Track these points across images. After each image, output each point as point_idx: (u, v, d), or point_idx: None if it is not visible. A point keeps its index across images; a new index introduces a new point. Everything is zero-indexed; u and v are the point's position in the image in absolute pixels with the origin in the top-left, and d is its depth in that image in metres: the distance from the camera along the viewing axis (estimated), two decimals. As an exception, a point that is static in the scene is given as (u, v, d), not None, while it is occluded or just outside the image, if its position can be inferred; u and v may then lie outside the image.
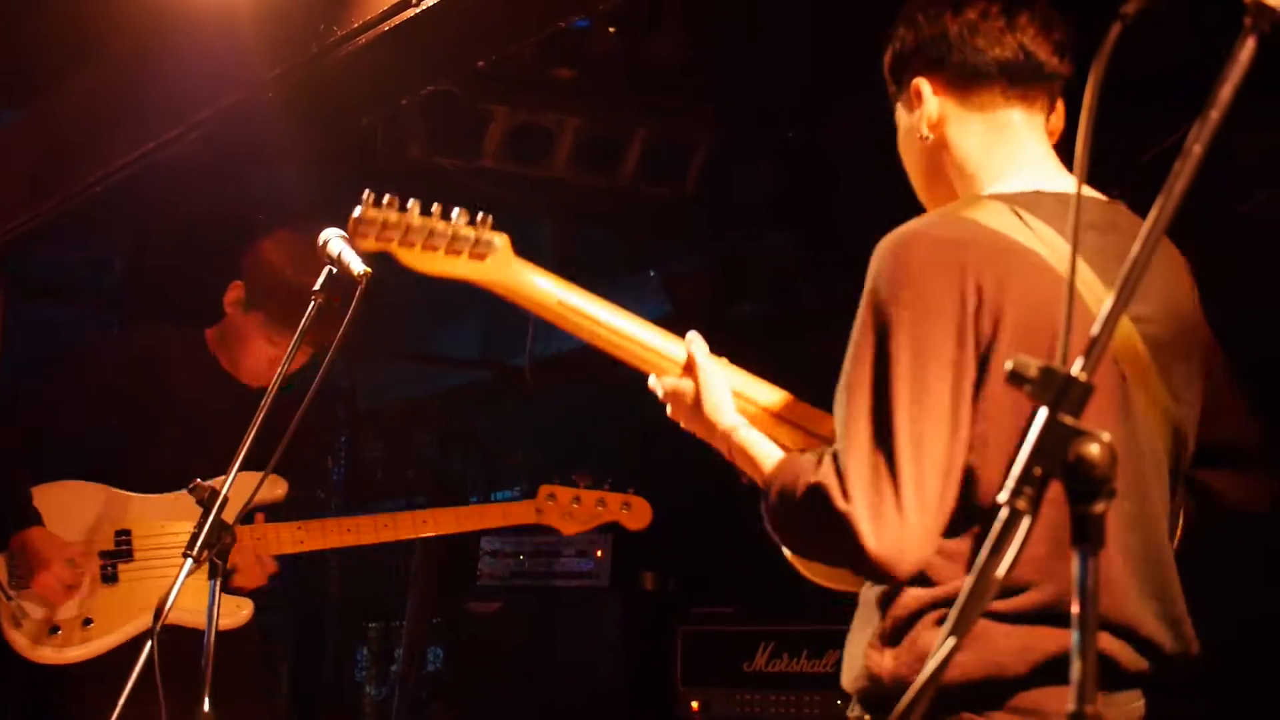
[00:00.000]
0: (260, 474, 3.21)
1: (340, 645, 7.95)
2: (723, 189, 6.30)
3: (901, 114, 2.70)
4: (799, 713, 5.65)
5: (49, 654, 3.83)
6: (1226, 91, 1.57)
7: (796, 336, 6.44)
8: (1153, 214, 1.56)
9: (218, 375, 4.10)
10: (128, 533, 3.92)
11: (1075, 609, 1.47)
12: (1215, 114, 1.56)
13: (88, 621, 3.83)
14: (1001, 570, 1.45)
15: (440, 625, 7.22)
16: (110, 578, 3.89)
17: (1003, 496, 1.47)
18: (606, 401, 6.64)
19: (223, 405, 4.01)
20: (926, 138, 2.59)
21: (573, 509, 4.06)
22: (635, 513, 4.03)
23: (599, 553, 6.38)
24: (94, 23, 5.20)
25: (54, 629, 3.84)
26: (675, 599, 6.32)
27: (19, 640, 3.84)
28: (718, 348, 2.75)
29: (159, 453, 3.93)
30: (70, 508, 3.93)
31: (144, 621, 3.21)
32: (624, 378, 4.37)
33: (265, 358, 4.10)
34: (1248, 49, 1.57)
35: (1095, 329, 1.53)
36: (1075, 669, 1.47)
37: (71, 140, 5.77)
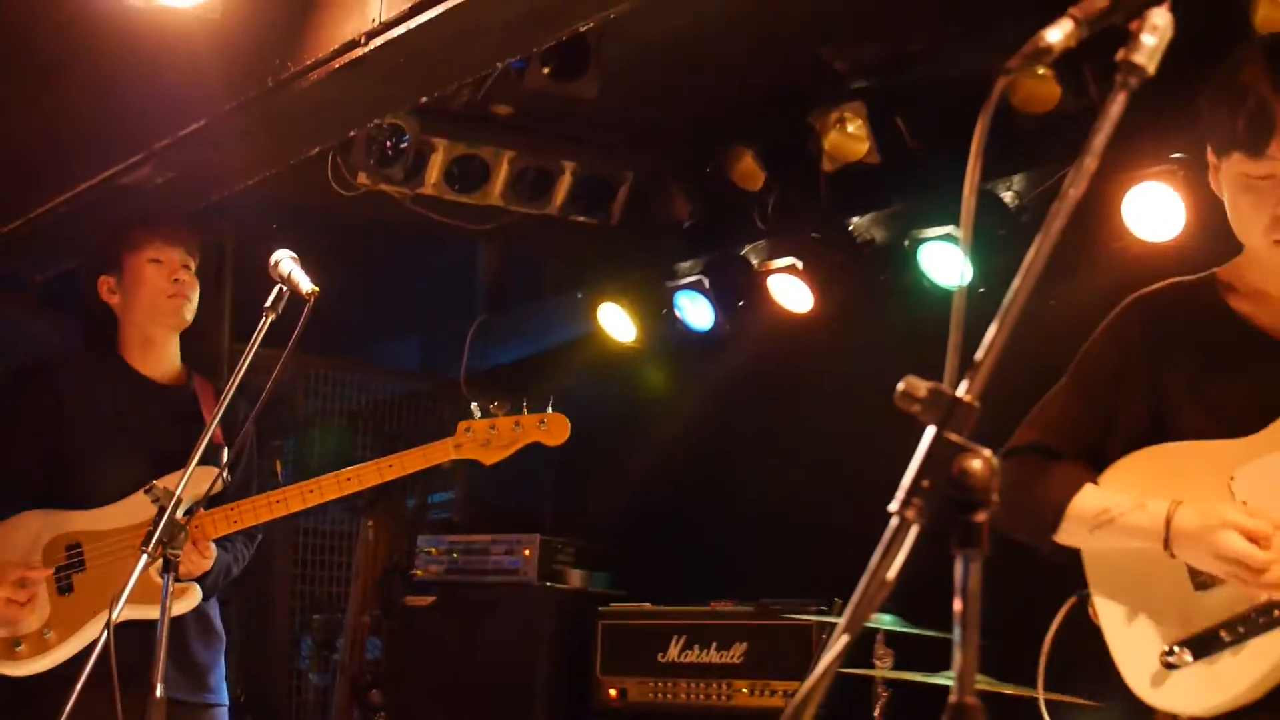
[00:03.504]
0: (203, 470, 3.22)
1: (287, 636, 7.91)
2: (645, 218, 6.33)
3: None
4: (706, 700, 5.68)
5: (14, 668, 3.78)
6: (1099, 141, 1.59)
7: (708, 359, 6.49)
8: (1033, 250, 1.56)
9: (128, 383, 4.01)
10: (78, 545, 3.86)
11: (958, 607, 1.47)
12: (1090, 161, 1.58)
13: (47, 632, 3.78)
14: (891, 574, 1.44)
15: (379, 618, 7.19)
16: (66, 589, 3.83)
17: (893, 506, 1.47)
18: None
19: (137, 411, 3.96)
20: None
21: (490, 437, 3.85)
22: (552, 429, 3.87)
23: (527, 551, 6.39)
24: (56, 50, 5.15)
25: (17, 644, 3.78)
26: (596, 595, 6.33)
27: None
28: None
29: (95, 470, 3.87)
30: (19, 536, 3.86)
31: (101, 623, 3.16)
32: (554, 389, 4.41)
33: (162, 288, 3.97)
34: (1119, 103, 1.59)
35: (979, 355, 1.52)
36: (956, 661, 1.47)
37: (35, 162, 5.70)
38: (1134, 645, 2.48)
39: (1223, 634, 2.36)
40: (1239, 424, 2.47)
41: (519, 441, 3.87)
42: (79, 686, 2.86)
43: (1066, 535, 2.54)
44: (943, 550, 1.50)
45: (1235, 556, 2.31)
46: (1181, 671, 2.39)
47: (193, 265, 4.06)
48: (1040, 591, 4.78)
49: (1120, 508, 2.44)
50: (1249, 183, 2.42)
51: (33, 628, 3.79)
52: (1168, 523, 2.39)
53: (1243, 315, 2.57)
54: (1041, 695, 3.95)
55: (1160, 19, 1.62)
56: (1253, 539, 2.32)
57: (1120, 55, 1.61)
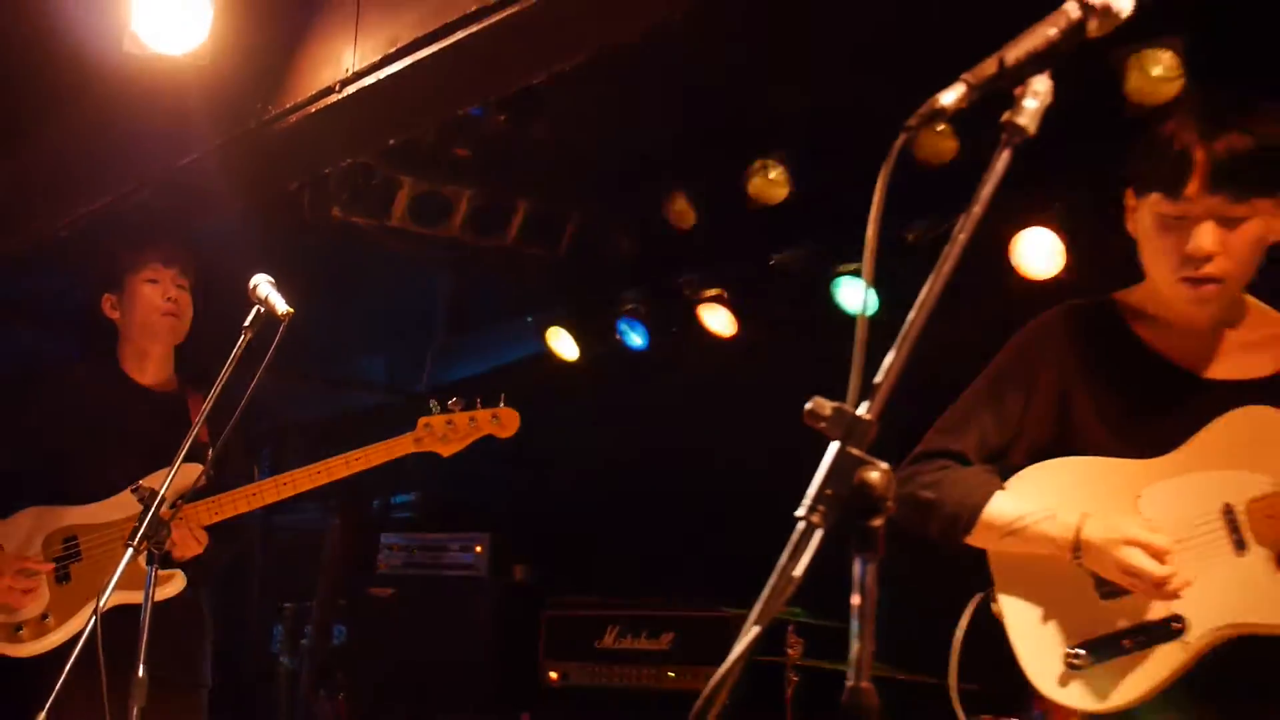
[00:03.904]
0: (187, 466, 3.21)
1: (260, 622, 7.86)
2: (590, 251, 6.34)
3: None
4: (638, 682, 5.70)
5: (16, 650, 3.75)
6: (986, 191, 1.61)
7: (645, 378, 6.50)
8: (926, 287, 1.58)
9: (124, 390, 3.98)
10: (74, 538, 3.83)
11: (855, 601, 1.48)
12: (977, 209, 1.60)
13: (45, 617, 3.75)
14: (797, 572, 1.45)
15: (344, 607, 7.15)
16: (64, 578, 3.80)
17: (800, 512, 1.47)
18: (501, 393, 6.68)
19: (131, 415, 3.93)
20: None
21: (447, 431, 3.82)
22: (504, 422, 3.84)
23: (479, 549, 6.41)
24: (63, 88, 5.12)
25: (18, 628, 3.75)
26: (541, 588, 6.33)
27: None
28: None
29: (92, 468, 3.83)
30: (22, 529, 3.84)
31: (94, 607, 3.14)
32: (513, 399, 4.39)
33: (157, 305, 3.97)
34: (1003, 159, 1.62)
35: (878, 378, 1.54)
36: (854, 650, 1.49)
37: (39, 188, 5.64)
38: (1038, 644, 2.43)
39: (1125, 641, 2.34)
40: (1143, 444, 2.43)
41: (474, 434, 3.85)
42: (68, 666, 2.83)
43: (978, 539, 2.47)
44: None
45: (1138, 569, 2.29)
46: (1083, 672, 2.35)
47: (187, 284, 4.05)
48: (946, 588, 4.84)
49: (1033, 517, 2.40)
50: (1166, 222, 2.39)
51: (33, 614, 3.76)
52: (1077, 534, 2.36)
53: (1146, 341, 2.52)
54: (953, 683, 3.96)
55: (1041, 85, 1.65)
56: (1154, 554, 2.30)
57: (1005, 117, 1.63)
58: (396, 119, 4.65)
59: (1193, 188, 2.33)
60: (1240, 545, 2.32)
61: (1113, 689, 2.31)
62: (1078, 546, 2.35)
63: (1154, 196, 2.40)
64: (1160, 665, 2.30)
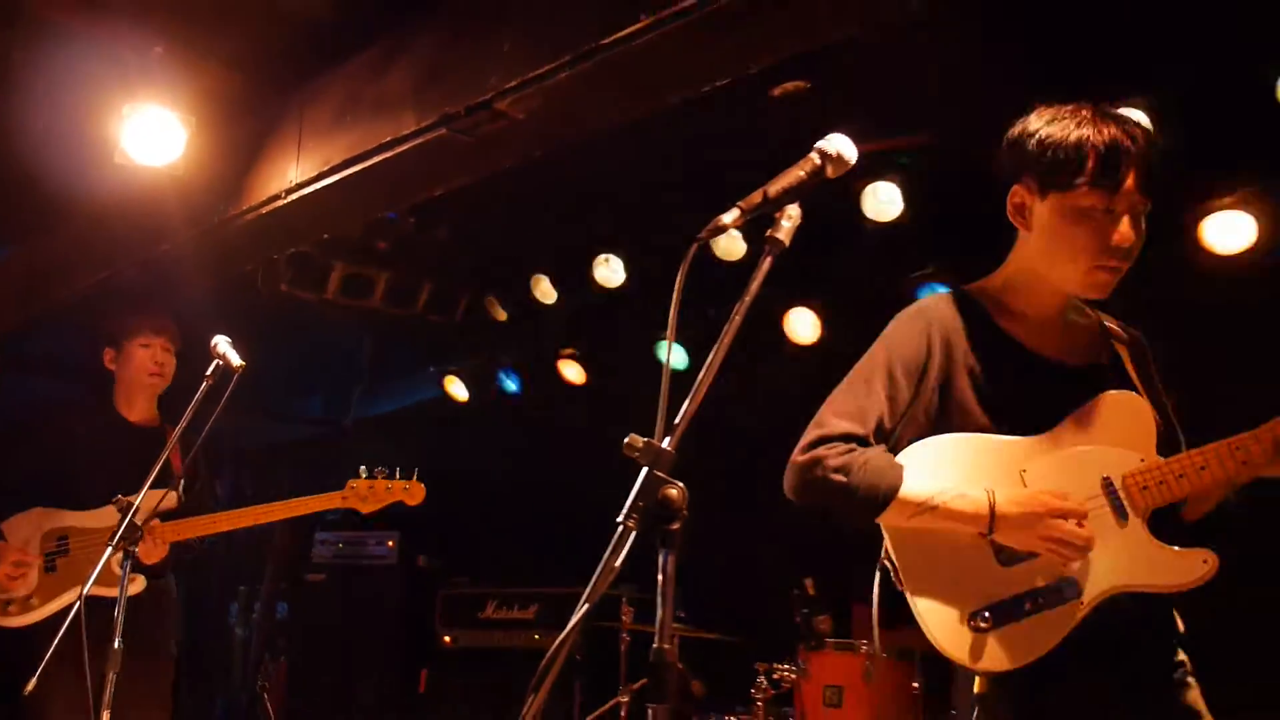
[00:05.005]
0: (162, 490, 3.14)
1: (219, 601, 7.62)
2: (478, 319, 6.33)
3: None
4: (510, 643, 5.65)
5: (6, 621, 3.61)
6: (755, 286, 1.65)
7: (518, 415, 6.47)
8: (712, 353, 1.61)
9: (117, 423, 3.84)
10: (65, 536, 3.68)
11: (660, 581, 1.48)
12: (748, 298, 1.64)
13: (30, 598, 3.59)
14: (617, 563, 1.44)
15: (286, 589, 6.96)
16: (51, 568, 3.65)
17: (619, 518, 1.47)
18: (405, 447, 6.58)
19: (121, 444, 3.79)
20: None
21: (368, 494, 3.73)
22: (412, 493, 3.75)
23: (391, 543, 6.31)
24: (67, 193, 4.97)
25: (9, 604, 3.62)
26: (437, 573, 6.25)
27: None
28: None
29: (86, 482, 3.69)
30: (26, 528, 3.70)
31: (74, 594, 3.02)
32: (414, 434, 4.35)
33: (145, 364, 3.84)
34: (767, 262, 1.66)
35: (677, 419, 1.53)
36: (658, 617, 1.49)
37: (51, 268, 5.47)
38: (941, 611, 2.00)
39: (1026, 604, 1.98)
40: (1017, 424, 2.04)
41: (388, 499, 3.76)
42: (55, 641, 2.70)
43: (889, 517, 2.02)
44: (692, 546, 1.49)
45: (1062, 537, 1.95)
46: (988, 634, 1.97)
47: (173, 349, 3.91)
48: (741, 568, 4.92)
49: (944, 495, 1.99)
50: (1091, 214, 2.00)
51: (22, 594, 3.61)
52: (991, 509, 1.98)
53: (1008, 332, 2.12)
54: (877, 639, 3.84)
55: (794, 211, 1.68)
56: (1075, 519, 1.97)
57: (769, 233, 1.67)
58: (329, 219, 4.60)
59: (1129, 184, 1.99)
60: (1122, 514, 2.02)
61: (1017, 648, 1.96)
62: (993, 521, 1.98)
63: (1079, 189, 1.99)
64: (1059, 624, 1.97)
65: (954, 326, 2.10)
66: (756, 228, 1.69)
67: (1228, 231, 3.94)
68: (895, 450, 2.06)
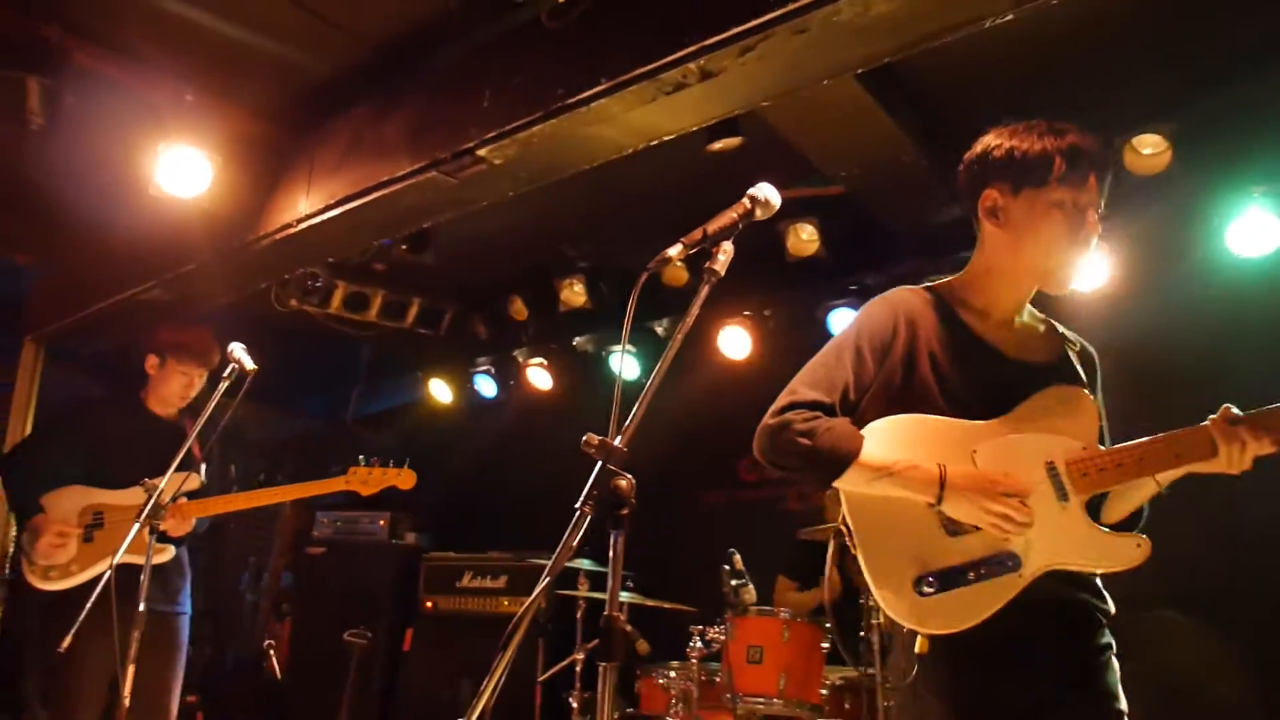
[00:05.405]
0: (184, 474, 3.10)
1: (232, 570, 7.47)
2: (460, 333, 6.27)
3: None
4: (483, 609, 5.55)
5: (48, 585, 3.48)
6: (695, 308, 1.65)
7: (492, 415, 6.41)
8: (658, 365, 1.60)
9: (146, 416, 3.74)
10: (101, 512, 3.58)
11: (610, 557, 1.48)
12: (688, 319, 1.64)
13: (72, 565, 3.48)
14: (574, 542, 1.43)
15: (291, 560, 6.83)
16: (88, 539, 3.54)
17: (577, 505, 1.46)
18: (400, 440, 6.53)
19: (148, 434, 3.68)
20: None
21: (367, 479, 3.70)
22: (404, 478, 3.72)
23: (382, 522, 6.21)
24: (109, 213, 4.88)
25: (50, 570, 3.48)
26: (422, 548, 6.16)
27: (32, 579, 3.49)
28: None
29: (119, 465, 3.59)
30: (65, 503, 3.59)
31: (107, 563, 2.94)
32: (404, 430, 4.30)
33: (179, 385, 3.74)
34: (706, 289, 1.66)
35: (628, 421, 1.53)
36: (609, 586, 1.48)
37: (92, 280, 5.33)
38: (888, 574, 1.87)
39: (970, 573, 1.86)
40: (972, 409, 1.90)
41: (384, 483, 3.72)
42: (89, 604, 2.63)
43: (847, 481, 1.89)
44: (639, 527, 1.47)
45: (1004, 512, 1.83)
46: (931, 598, 1.84)
47: (205, 373, 3.77)
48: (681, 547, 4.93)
49: (900, 464, 1.86)
50: (1058, 205, 1.89)
51: (62, 561, 3.50)
52: (941, 481, 1.85)
53: (969, 325, 2.00)
54: (827, 603, 3.81)
55: (728, 247, 1.70)
56: (1020, 498, 1.85)
57: (707, 265, 1.68)
58: (334, 245, 4.54)
59: (1091, 181, 1.90)
60: (1063, 496, 1.89)
61: (958, 613, 1.84)
62: (941, 492, 1.85)
63: (1051, 186, 1.89)
64: (998, 594, 1.84)
65: (920, 314, 1.98)
66: (699, 259, 1.71)
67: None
68: (859, 426, 1.93)
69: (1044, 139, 1.91)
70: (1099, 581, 1.93)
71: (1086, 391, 1.96)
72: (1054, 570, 1.85)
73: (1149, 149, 3.73)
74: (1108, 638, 1.91)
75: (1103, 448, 1.92)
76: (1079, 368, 2.02)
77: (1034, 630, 1.84)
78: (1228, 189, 3.76)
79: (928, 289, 2.04)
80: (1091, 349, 2.10)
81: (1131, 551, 1.86)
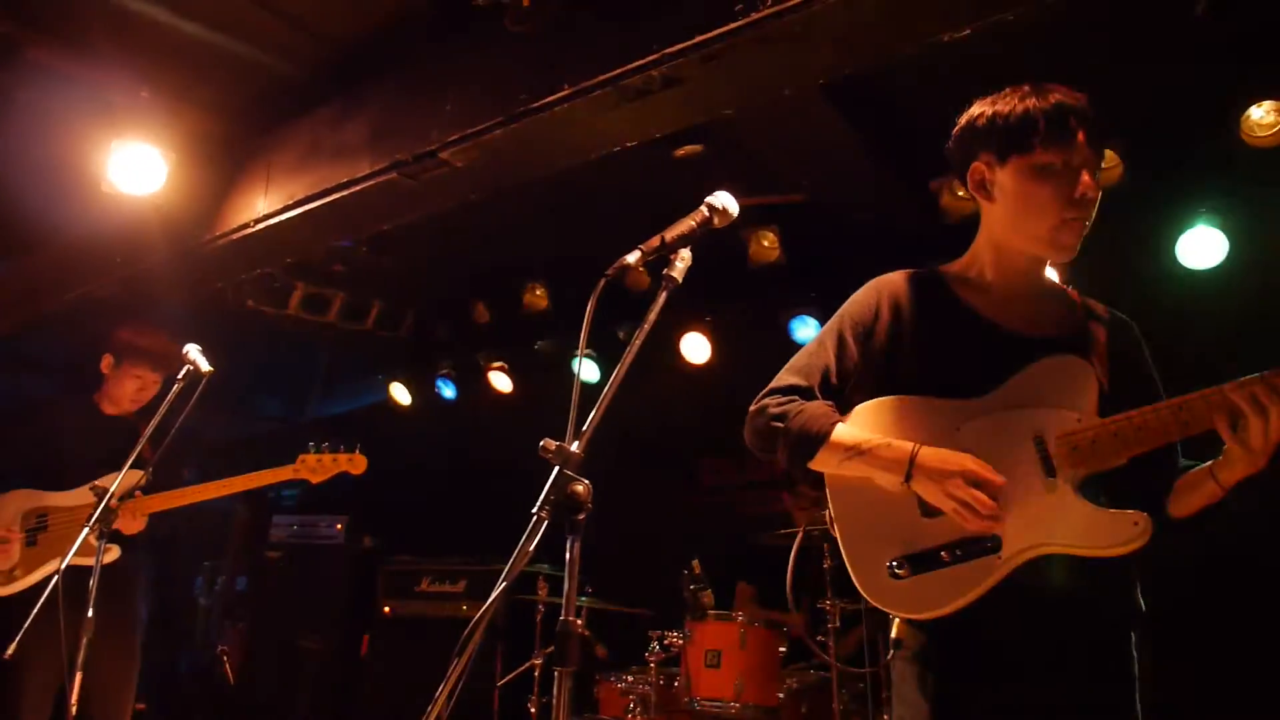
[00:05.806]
0: (138, 471, 3.00)
1: (186, 574, 7.36)
2: (421, 335, 6.23)
3: None
4: (441, 613, 5.51)
5: None
6: (652, 315, 1.66)
7: (452, 418, 6.39)
8: (616, 370, 1.62)
9: (96, 416, 3.67)
10: (45, 514, 3.50)
11: (568, 559, 1.46)
12: (646, 325, 1.65)
13: (13, 570, 3.41)
14: (530, 547, 1.43)
15: (246, 564, 6.74)
16: (31, 543, 3.46)
17: (534, 510, 1.45)
18: (359, 443, 6.46)
19: (98, 434, 3.63)
20: None
21: (317, 466, 3.58)
22: (355, 463, 3.62)
23: (339, 526, 6.14)
24: (60, 212, 4.77)
25: None
26: (380, 552, 6.11)
27: None
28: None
29: (68, 467, 3.53)
30: (9, 508, 3.52)
31: (53, 567, 2.87)
32: (363, 431, 4.23)
33: (132, 388, 3.66)
34: (663, 296, 1.67)
35: (585, 426, 1.53)
36: (565, 591, 1.47)
37: (43, 281, 5.22)
38: (864, 556, 1.78)
39: (943, 555, 1.73)
40: (961, 388, 1.79)
41: (334, 469, 3.63)
42: (35, 609, 2.57)
43: (820, 463, 1.83)
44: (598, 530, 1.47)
45: (967, 499, 1.70)
46: (904, 581, 1.73)
47: (160, 377, 3.69)
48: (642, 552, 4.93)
49: (870, 443, 1.77)
50: (1047, 169, 1.78)
51: (4, 567, 3.43)
52: (911, 459, 1.74)
53: (966, 301, 1.88)
54: (789, 591, 3.69)
55: (686, 254, 1.70)
56: (987, 486, 1.71)
57: (665, 271, 1.69)
58: (292, 246, 4.49)
59: (1080, 138, 1.78)
60: (1050, 473, 1.73)
61: (931, 597, 1.71)
62: (910, 470, 1.74)
63: (1034, 152, 1.78)
64: (976, 579, 1.70)
65: (905, 295, 1.88)
66: (662, 264, 1.71)
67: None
68: (846, 410, 1.85)
69: (1026, 100, 1.81)
70: (1123, 573, 1.71)
71: (1083, 360, 1.79)
72: (1047, 555, 1.69)
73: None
74: (1123, 640, 1.71)
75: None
76: (1104, 346, 1.85)
77: (1029, 624, 1.68)
78: (1176, 205, 3.87)
79: (917, 269, 1.94)
80: (1127, 319, 1.93)
81: (1128, 531, 1.65)
